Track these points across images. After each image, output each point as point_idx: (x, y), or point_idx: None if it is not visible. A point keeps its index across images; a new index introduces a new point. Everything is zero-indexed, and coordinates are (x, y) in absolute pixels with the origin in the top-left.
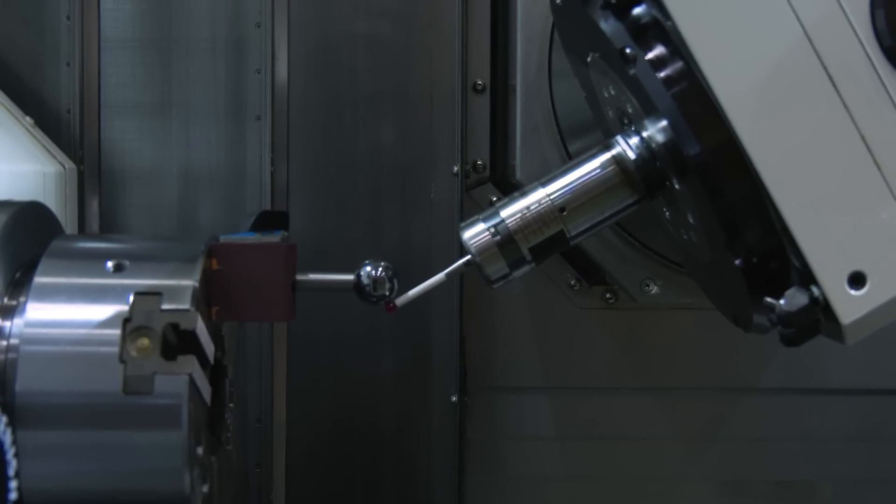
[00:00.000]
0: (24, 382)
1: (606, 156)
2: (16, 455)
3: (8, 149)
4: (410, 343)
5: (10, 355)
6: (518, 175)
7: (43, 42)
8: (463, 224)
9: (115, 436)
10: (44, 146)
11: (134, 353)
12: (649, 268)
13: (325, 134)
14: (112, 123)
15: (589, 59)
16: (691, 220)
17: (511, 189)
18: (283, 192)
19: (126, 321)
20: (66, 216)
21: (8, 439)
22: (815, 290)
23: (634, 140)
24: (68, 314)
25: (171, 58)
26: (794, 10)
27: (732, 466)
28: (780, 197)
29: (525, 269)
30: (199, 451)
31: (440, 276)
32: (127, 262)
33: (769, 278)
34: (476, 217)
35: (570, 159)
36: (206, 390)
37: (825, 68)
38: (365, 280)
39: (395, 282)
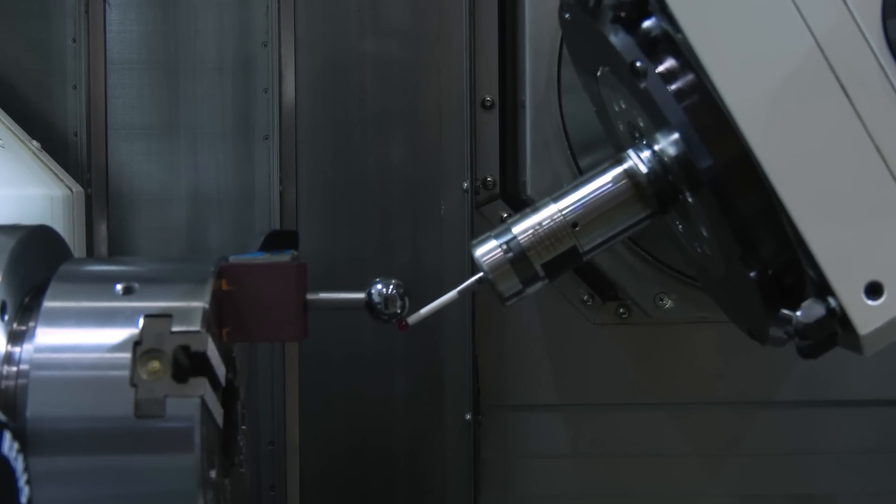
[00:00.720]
0: (35, 408)
1: (618, 170)
2: (28, 482)
3: (15, 173)
4: (423, 362)
5: (21, 381)
6: (529, 191)
7: (49, 65)
8: (475, 241)
9: (128, 460)
10: (50, 170)
11: (145, 377)
12: (663, 282)
13: (333, 153)
14: (119, 146)
15: (598, 74)
16: (705, 234)
17: (522, 205)
18: (293, 212)
19: (136, 344)
20: (73, 240)
21: (20, 466)
22: (831, 301)
23: (646, 154)
24: (78, 338)
25: (179, 79)
26: (805, 21)
27: (750, 481)
28: (794, 208)
29: (538, 285)
30: (213, 474)
31: (452, 293)
32: (136, 285)
33: (785, 290)
34: (488, 234)
35: (581, 174)
36: (218, 413)
37: (837, 78)
38: (376, 298)
39: (407, 300)
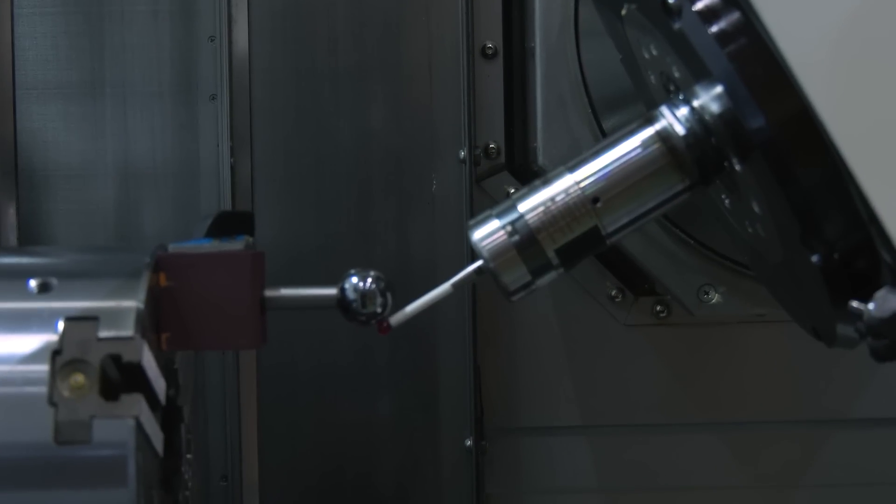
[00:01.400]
0: None
1: (649, 132)
2: None
3: None
4: (412, 374)
5: None
6: (541, 159)
7: None
8: (472, 221)
9: (47, 497)
10: None
11: (66, 394)
12: (708, 272)
13: (297, 116)
14: (30, 110)
15: (624, 12)
16: (757, 210)
17: (532, 178)
18: (247, 190)
19: (55, 354)
20: None
21: None
22: None
23: (683, 111)
24: None
25: (103, 25)
26: None
27: None
28: (864, 177)
29: (551, 276)
30: None
31: (445, 286)
32: (54, 281)
33: (855, 278)
34: (488, 212)
35: (605, 137)
36: (157, 437)
37: None
38: (351, 294)
39: (389, 296)
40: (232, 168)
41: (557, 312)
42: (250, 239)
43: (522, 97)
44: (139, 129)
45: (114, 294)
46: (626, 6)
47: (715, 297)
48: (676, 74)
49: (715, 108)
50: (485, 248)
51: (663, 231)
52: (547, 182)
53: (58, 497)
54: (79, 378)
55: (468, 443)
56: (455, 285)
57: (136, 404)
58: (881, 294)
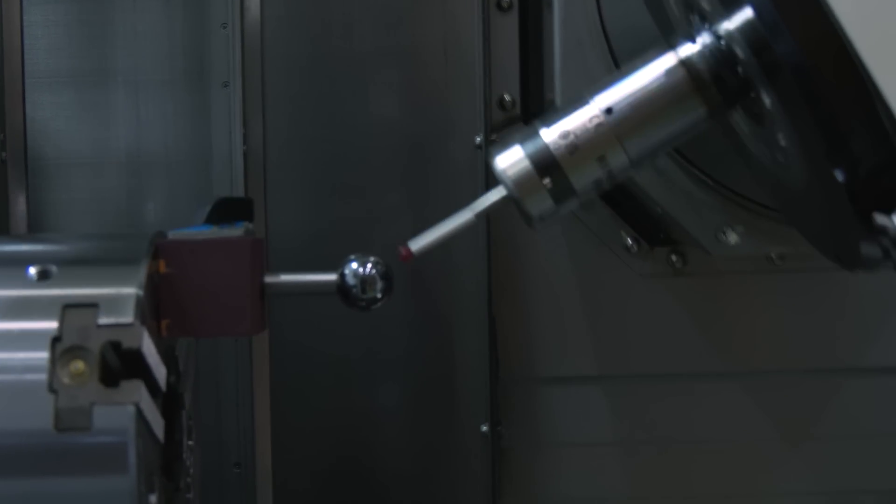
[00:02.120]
0: None
1: (672, 59)
2: None
3: None
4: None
5: None
6: (559, 102)
7: None
8: (495, 148)
9: (48, 483)
10: None
11: (67, 381)
12: (727, 210)
13: (310, 102)
14: (41, 98)
15: None
16: (781, 134)
17: None
18: (260, 177)
19: (55, 341)
20: None
21: None
22: None
23: (706, 38)
24: None
25: (115, 13)
26: None
27: (845, 473)
28: (889, 89)
29: (574, 203)
30: (152, 499)
31: (467, 214)
32: (54, 268)
33: (881, 196)
34: (511, 139)
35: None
36: (157, 424)
37: None
38: (351, 280)
39: (389, 281)
40: (245, 155)
41: (573, 263)
42: (250, 225)
43: (538, 50)
44: (151, 117)
45: (113, 281)
46: None
47: (734, 237)
48: (702, 2)
49: (741, 33)
50: (507, 175)
51: (681, 171)
52: (570, 108)
53: (58, 484)
54: (79, 365)
55: (484, 429)
56: (478, 214)
57: (136, 391)
58: None
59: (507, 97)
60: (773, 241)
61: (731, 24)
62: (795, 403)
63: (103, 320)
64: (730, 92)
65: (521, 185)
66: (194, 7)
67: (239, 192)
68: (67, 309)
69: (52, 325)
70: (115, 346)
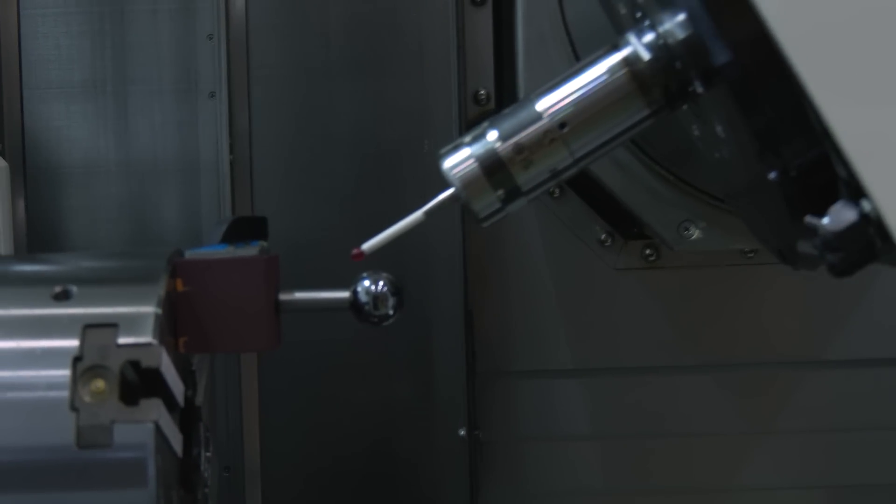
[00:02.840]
0: None
1: (615, 58)
2: None
3: None
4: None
5: None
6: (522, 96)
7: None
8: (444, 150)
9: (70, 498)
10: None
11: (88, 399)
12: (688, 207)
13: (293, 111)
14: (36, 108)
15: None
16: (721, 133)
17: None
18: (247, 185)
19: (76, 360)
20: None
21: None
22: (865, 203)
23: (649, 38)
24: (6, 354)
25: (104, 25)
26: None
27: (818, 466)
28: (817, 91)
29: (521, 202)
30: None
31: (418, 214)
32: (74, 288)
33: (814, 195)
34: (459, 140)
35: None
36: (175, 439)
37: None
38: (363, 297)
39: (401, 297)
40: (231, 164)
41: (548, 257)
42: (265, 244)
43: (511, 44)
44: (140, 127)
45: (132, 300)
46: None
47: (695, 233)
48: (642, 0)
49: (679, 33)
50: (455, 176)
51: (644, 168)
52: (516, 110)
53: (80, 498)
54: (99, 384)
55: (461, 433)
56: (427, 213)
57: (154, 408)
58: (836, 207)
59: (482, 92)
60: (734, 236)
61: (669, 25)
62: (767, 395)
63: (123, 340)
64: (671, 93)
65: (469, 186)
66: (181, 19)
67: (226, 199)
68: (88, 329)
69: (73, 343)
70: (135, 364)
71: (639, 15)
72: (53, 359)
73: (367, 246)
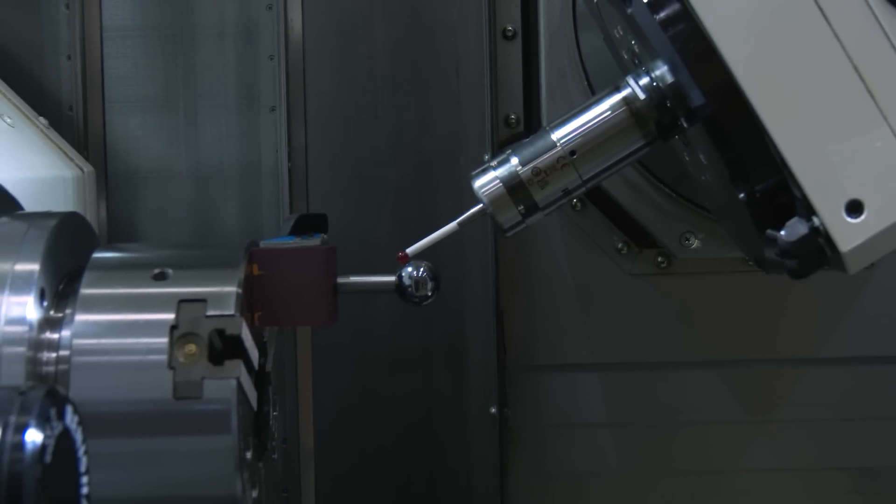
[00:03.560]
0: (77, 393)
1: (616, 98)
2: (85, 452)
3: (26, 154)
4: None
5: (61, 366)
6: (545, 124)
7: (41, 34)
8: (474, 172)
9: (168, 442)
10: (60, 149)
11: (182, 360)
12: (689, 220)
13: (343, 124)
14: (115, 120)
15: (596, 0)
16: (704, 160)
17: None
18: (303, 190)
19: (173, 328)
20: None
21: (79, 437)
22: (815, 220)
23: (644, 81)
24: (116, 324)
25: (177, 46)
26: None
27: (813, 452)
28: (775, 129)
29: (538, 216)
30: (248, 455)
31: (452, 224)
32: (170, 271)
33: (776, 212)
34: (487, 164)
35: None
36: (252, 395)
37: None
38: (406, 281)
39: (438, 281)
40: (289, 171)
41: (571, 263)
42: (325, 236)
43: (538, 74)
44: (208, 137)
45: (218, 281)
46: None
47: (695, 243)
48: (637, 51)
49: (667, 78)
50: (484, 194)
51: (651, 186)
52: (534, 140)
53: (176, 442)
54: (191, 348)
55: (493, 410)
56: (460, 223)
57: (236, 368)
58: (791, 223)
59: (512, 116)
60: (730, 246)
61: (659, 71)
62: (766, 389)
63: (211, 312)
64: (662, 126)
65: (495, 203)
66: (245, 41)
67: (284, 202)
68: (182, 303)
69: (170, 316)
70: (220, 332)
71: (637, 62)
72: (155, 328)
73: (410, 249)
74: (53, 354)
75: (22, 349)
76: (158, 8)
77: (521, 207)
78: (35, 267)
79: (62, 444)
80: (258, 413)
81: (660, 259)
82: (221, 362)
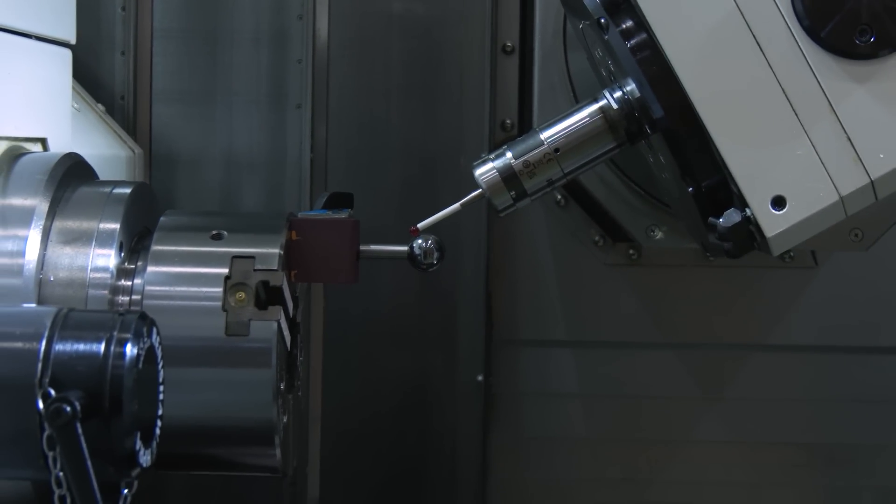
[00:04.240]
0: None
1: (594, 107)
2: (163, 366)
3: (89, 135)
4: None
5: (134, 308)
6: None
7: (99, 32)
8: (476, 162)
9: (221, 372)
10: (115, 133)
11: (233, 304)
12: (654, 215)
13: (360, 122)
14: (160, 109)
15: (581, 26)
16: (663, 161)
17: None
18: (322, 179)
19: (227, 279)
20: None
21: (160, 353)
22: (747, 210)
23: (618, 94)
24: (180, 275)
25: (217, 47)
26: None
27: (757, 428)
28: (718, 137)
29: (527, 200)
30: (282, 385)
31: (456, 206)
32: (225, 233)
33: (717, 204)
34: (486, 156)
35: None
36: (288, 337)
37: (753, 33)
38: (417, 251)
39: (443, 252)
40: (311, 161)
41: (553, 253)
42: (351, 211)
43: (531, 86)
44: (241, 130)
45: (263, 243)
46: (582, 22)
47: (659, 234)
48: (612, 69)
49: (634, 93)
50: (482, 181)
51: (623, 184)
52: (527, 137)
53: (227, 373)
54: (241, 294)
55: (479, 378)
56: (463, 205)
57: (277, 313)
58: (727, 213)
59: (507, 121)
60: (687, 238)
61: (629, 87)
62: (719, 370)
63: (258, 267)
64: (631, 132)
65: (491, 188)
66: (276, 46)
67: (305, 190)
68: (235, 259)
69: (225, 270)
70: (265, 284)
71: (612, 78)
72: (212, 279)
73: (421, 224)
74: (127, 298)
75: (105, 292)
76: (202, 13)
77: (512, 193)
78: (116, 226)
79: (149, 356)
80: (290, 353)
81: (631, 252)
82: (266, 308)
